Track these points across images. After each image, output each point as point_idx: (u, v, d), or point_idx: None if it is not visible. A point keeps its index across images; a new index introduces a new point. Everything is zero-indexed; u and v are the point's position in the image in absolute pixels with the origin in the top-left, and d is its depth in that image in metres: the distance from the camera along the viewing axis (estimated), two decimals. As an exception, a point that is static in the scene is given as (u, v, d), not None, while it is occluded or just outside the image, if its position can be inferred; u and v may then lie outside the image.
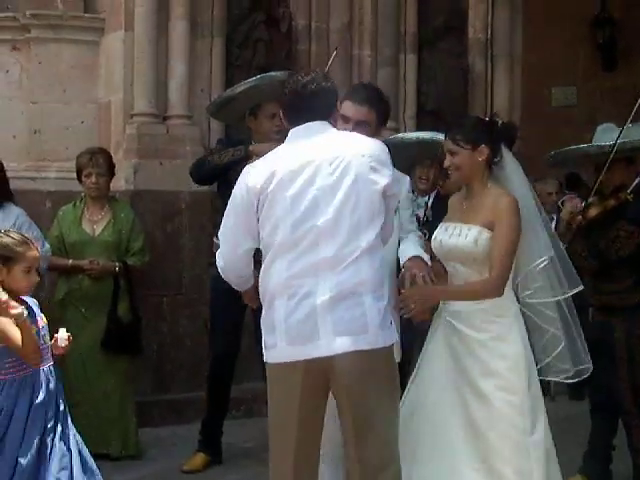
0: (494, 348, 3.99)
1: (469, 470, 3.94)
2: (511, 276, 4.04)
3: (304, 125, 3.68)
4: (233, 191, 3.68)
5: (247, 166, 3.76)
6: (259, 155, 5.29)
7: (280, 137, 5.57)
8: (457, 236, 4.06)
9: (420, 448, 4.01)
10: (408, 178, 4.40)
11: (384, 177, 3.61)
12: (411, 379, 4.21)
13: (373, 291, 3.55)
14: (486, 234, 4.00)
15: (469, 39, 8.62)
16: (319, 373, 3.54)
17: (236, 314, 5.58)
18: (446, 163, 4.15)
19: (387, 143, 4.62)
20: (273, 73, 5.79)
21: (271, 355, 3.59)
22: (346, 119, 4.11)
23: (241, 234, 3.66)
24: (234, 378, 5.78)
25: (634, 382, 5.10)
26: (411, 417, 4.06)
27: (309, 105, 3.68)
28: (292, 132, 3.74)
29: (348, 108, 4.13)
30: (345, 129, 4.03)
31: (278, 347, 3.54)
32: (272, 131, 5.58)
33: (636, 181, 5.12)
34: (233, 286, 3.99)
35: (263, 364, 3.72)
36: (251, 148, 5.47)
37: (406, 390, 4.15)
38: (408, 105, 8.38)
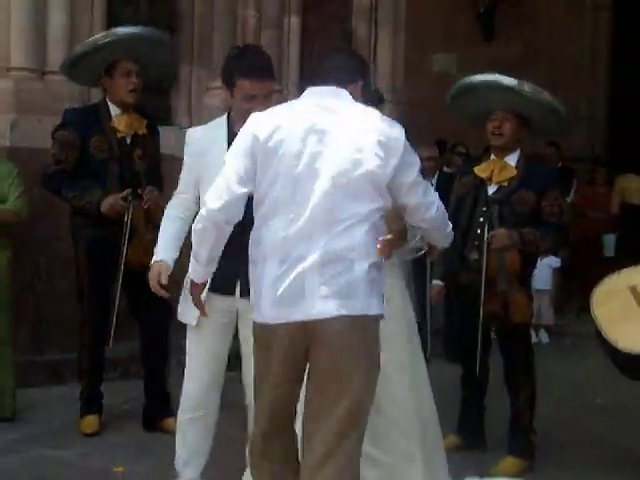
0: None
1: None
2: None
3: (320, 87, 3.62)
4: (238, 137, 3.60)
5: (253, 114, 3.64)
6: (109, 213, 5.35)
7: (134, 98, 5.53)
8: None
9: None
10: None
11: (386, 166, 3.48)
12: None
13: (366, 259, 3.46)
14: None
15: (353, 3, 8.63)
16: (301, 339, 3.47)
17: (107, 277, 5.54)
18: None
19: None
20: (126, 28, 5.70)
21: (255, 314, 3.56)
22: (252, 97, 4.05)
23: (243, 175, 3.50)
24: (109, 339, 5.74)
25: (529, 345, 5.31)
26: None
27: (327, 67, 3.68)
28: (308, 90, 3.66)
29: (253, 87, 4.05)
30: (250, 107, 3.95)
31: (262, 308, 3.50)
32: (128, 90, 5.50)
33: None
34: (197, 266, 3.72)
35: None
36: (102, 208, 5.38)
37: None
38: (292, 68, 8.36)
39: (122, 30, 5.63)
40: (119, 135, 5.51)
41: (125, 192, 5.37)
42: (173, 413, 5.56)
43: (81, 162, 5.51)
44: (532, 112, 5.16)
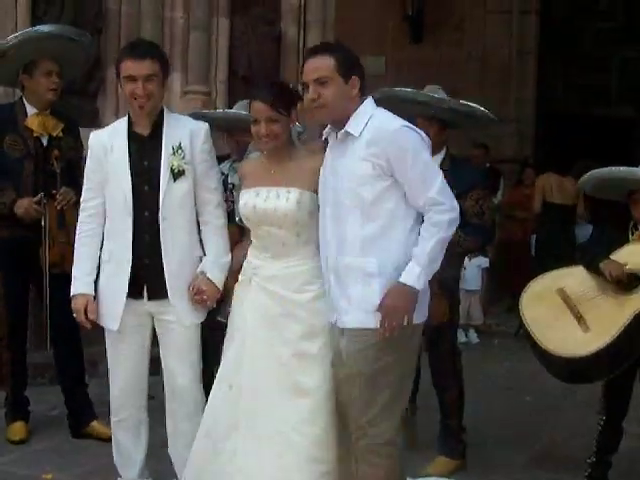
0: (314, 308, 3.97)
1: (294, 433, 3.90)
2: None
3: None
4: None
5: None
6: (24, 217, 5.25)
7: (55, 96, 5.45)
8: (275, 199, 3.99)
9: (243, 419, 3.98)
10: (205, 126, 4.34)
11: None
12: (224, 349, 4.17)
13: None
14: (308, 195, 3.98)
15: (282, 5, 8.61)
16: None
17: (26, 279, 5.45)
18: (263, 131, 3.99)
19: None
20: (45, 27, 5.62)
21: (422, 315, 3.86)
22: (132, 78, 4.09)
23: None
24: (38, 345, 5.65)
25: (453, 346, 5.34)
26: (229, 388, 4.05)
27: None
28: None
29: (131, 66, 4.10)
30: (134, 89, 4.09)
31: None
32: (48, 89, 5.39)
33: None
34: None
35: None
36: (17, 210, 5.27)
37: (221, 364, 4.13)
38: (219, 70, 8.30)
39: (40, 29, 5.55)
40: (34, 135, 5.41)
41: (38, 196, 5.27)
42: (97, 416, 5.53)
43: None
44: (447, 117, 5.16)
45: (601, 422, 4.84)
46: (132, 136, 4.23)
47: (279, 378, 3.96)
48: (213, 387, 4.13)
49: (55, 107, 5.54)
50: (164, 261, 4.16)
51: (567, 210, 10.36)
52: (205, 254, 4.29)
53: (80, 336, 5.55)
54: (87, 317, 4.25)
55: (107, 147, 4.22)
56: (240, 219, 4.20)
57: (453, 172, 5.18)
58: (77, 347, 5.62)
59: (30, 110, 5.45)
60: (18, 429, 5.52)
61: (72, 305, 4.27)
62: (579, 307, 4.56)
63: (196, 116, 5.03)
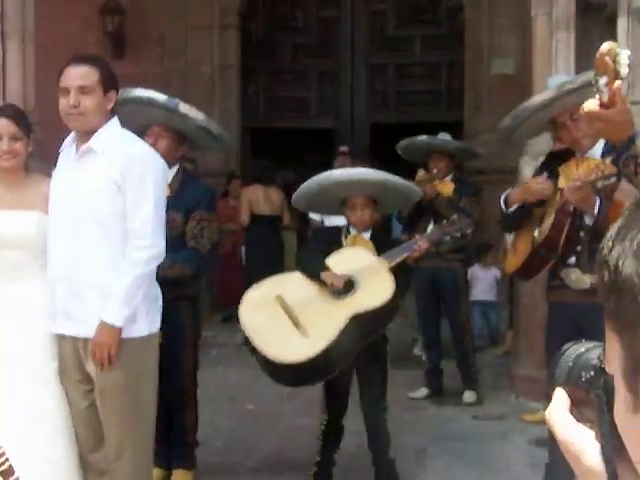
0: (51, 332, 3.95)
1: (36, 463, 3.79)
2: None
3: None
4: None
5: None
6: None
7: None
8: (13, 221, 3.95)
9: None
10: None
11: None
12: None
13: None
14: (46, 218, 3.94)
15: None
16: None
17: None
18: (5, 147, 3.95)
19: None
20: None
21: None
22: None
23: None
24: None
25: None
26: None
27: None
28: None
29: None
30: None
31: None
32: None
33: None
34: None
35: None
36: None
37: None
38: None
39: None
40: None
41: None
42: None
43: None
44: (187, 129, 5.07)
45: (324, 422, 4.98)
46: None
47: (17, 402, 3.87)
48: None
49: None
50: None
51: (274, 220, 10.53)
52: None
53: None
54: None
55: None
56: None
57: (180, 190, 5.03)
58: None
59: None
60: None
61: None
62: (297, 313, 4.60)
63: None
